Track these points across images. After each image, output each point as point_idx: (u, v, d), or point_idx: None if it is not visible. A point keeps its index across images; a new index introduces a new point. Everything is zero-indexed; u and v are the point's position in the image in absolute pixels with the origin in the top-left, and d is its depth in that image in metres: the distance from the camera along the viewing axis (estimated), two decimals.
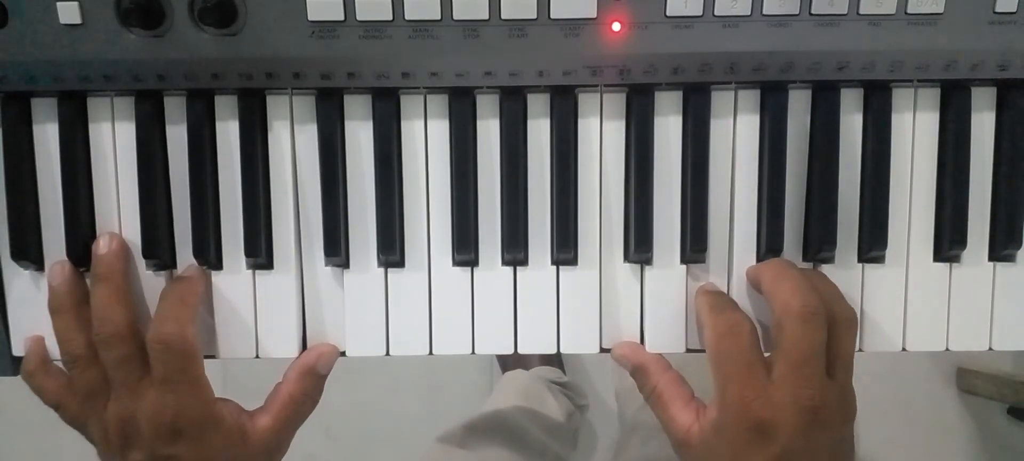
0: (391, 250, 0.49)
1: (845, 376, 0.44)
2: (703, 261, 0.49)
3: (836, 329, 0.44)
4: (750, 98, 0.49)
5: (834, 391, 0.43)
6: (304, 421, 0.50)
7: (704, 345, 0.46)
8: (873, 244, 0.49)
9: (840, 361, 0.44)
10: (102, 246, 0.48)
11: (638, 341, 0.50)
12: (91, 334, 0.46)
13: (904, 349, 0.50)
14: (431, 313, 0.50)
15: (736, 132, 0.49)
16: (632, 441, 0.86)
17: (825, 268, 0.49)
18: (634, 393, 0.98)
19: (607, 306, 0.50)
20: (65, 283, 0.48)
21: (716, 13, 0.45)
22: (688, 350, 0.50)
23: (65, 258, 0.49)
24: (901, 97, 0.49)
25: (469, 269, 0.50)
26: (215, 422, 0.46)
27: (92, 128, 0.49)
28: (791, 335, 0.43)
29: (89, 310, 0.47)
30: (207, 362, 0.49)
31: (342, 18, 0.45)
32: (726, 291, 0.49)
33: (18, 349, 0.51)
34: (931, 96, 0.49)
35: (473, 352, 0.50)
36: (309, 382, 0.49)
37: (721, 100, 0.49)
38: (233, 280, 0.50)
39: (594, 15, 0.45)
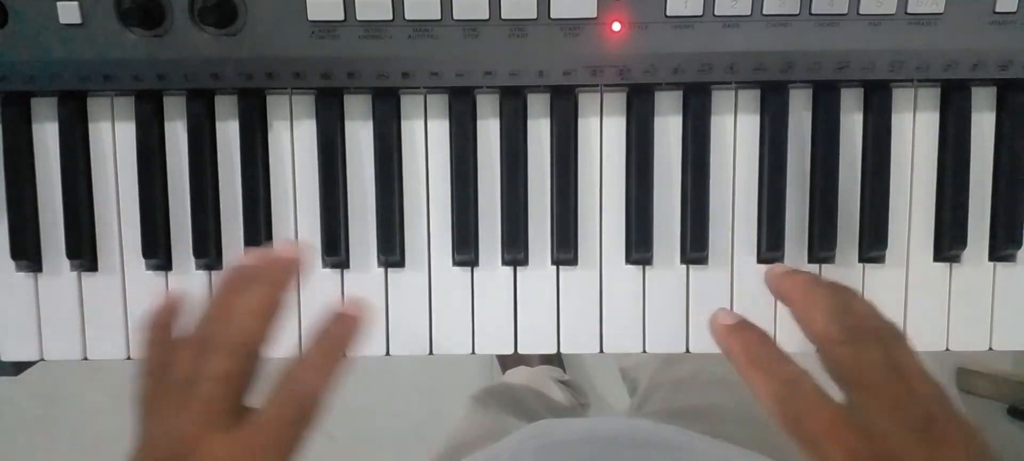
0: (391, 250, 0.49)
1: (925, 386, 0.37)
2: (704, 261, 0.49)
3: (883, 343, 0.38)
4: (750, 98, 0.49)
5: (932, 402, 0.36)
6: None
7: (761, 407, 0.38)
8: (873, 244, 0.48)
9: (906, 370, 0.37)
10: (287, 251, 0.40)
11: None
12: (208, 330, 0.38)
13: None
14: (431, 313, 0.50)
15: (736, 132, 0.49)
16: (654, 397, 0.83)
17: (825, 268, 0.49)
18: (643, 364, 0.98)
19: (607, 306, 0.50)
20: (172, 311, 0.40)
21: (716, 13, 0.45)
22: (688, 350, 0.50)
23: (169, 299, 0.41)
24: (901, 97, 0.49)
25: (469, 269, 0.50)
26: None
27: (92, 128, 0.49)
28: (847, 361, 0.37)
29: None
30: None
31: (342, 18, 0.45)
32: (727, 291, 0.49)
33: (7, 354, 0.51)
34: (931, 96, 0.49)
35: (473, 352, 0.50)
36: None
37: (721, 100, 0.49)
38: None
39: (594, 15, 0.45)
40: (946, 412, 0.36)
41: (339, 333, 0.40)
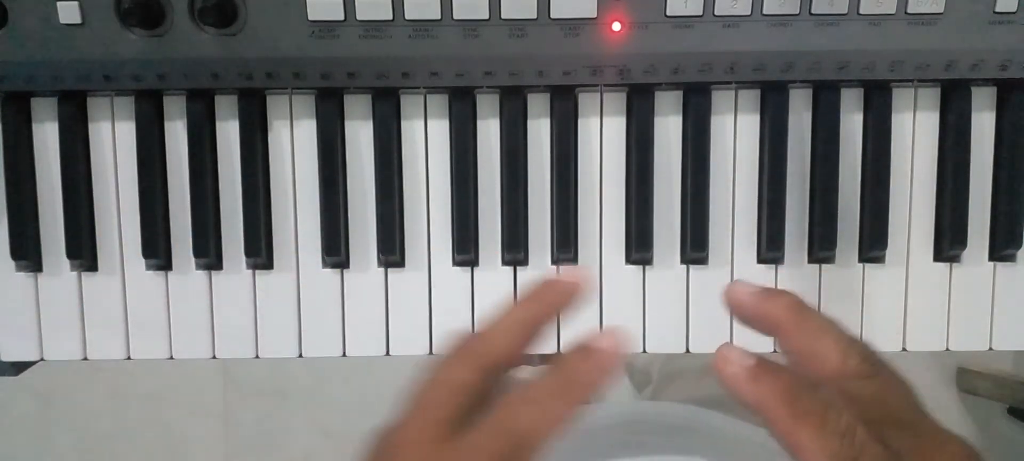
0: (391, 250, 0.49)
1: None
2: (704, 261, 0.49)
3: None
4: (750, 98, 0.49)
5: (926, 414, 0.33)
6: None
7: None
8: (873, 244, 0.49)
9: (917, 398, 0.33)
10: (570, 277, 0.36)
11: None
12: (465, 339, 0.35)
13: (904, 349, 0.50)
14: (431, 313, 0.50)
15: (736, 132, 0.49)
16: (673, 386, 0.82)
17: (825, 268, 0.49)
18: (653, 359, 0.97)
19: (607, 306, 0.50)
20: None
21: (716, 13, 0.45)
22: (688, 350, 0.50)
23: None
24: (901, 97, 0.49)
25: (469, 269, 0.50)
26: None
27: (92, 128, 0.49)
28: (880, 399, 0.32)
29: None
30: (207, 362, 0.49)
31: (342, 18, 0.45)
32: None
33: (7, 354, 0.51)
34: (931, 96, 0.49)
35: None
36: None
37: (721, 100, 0.49)
38: (233, 280, 0.50)
39: (594, 15, 0.45)
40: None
41: (581, 372, 0.32)
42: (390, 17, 0.45)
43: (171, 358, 0.50)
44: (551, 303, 0.35)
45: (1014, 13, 0.45)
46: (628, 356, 1.02)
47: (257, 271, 0.50)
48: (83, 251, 0.49)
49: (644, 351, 0.50)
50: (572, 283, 0.35)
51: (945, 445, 0.32)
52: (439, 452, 0.32)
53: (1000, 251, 0.49)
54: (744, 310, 0.34)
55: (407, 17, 0.45)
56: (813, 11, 0.45)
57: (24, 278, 0.50)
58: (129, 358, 0.51)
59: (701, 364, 0.46)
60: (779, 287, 0.49)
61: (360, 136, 0.49)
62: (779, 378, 0.30)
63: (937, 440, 0.32)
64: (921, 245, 0.50)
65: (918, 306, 0.50)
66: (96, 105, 0.49)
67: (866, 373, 0.32)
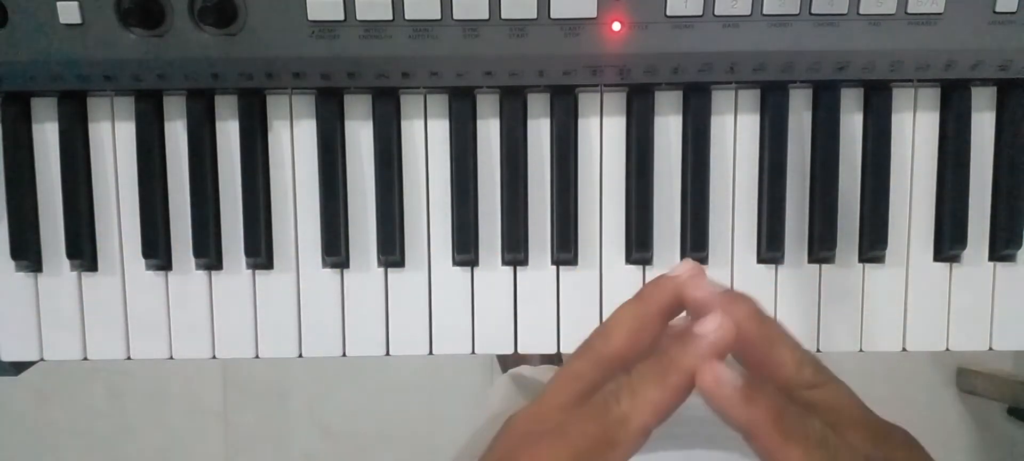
0: (391, 250, 0.49)
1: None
2: (704, 261, 0.49)
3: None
4: (750, 98, 0.49)
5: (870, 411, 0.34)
6: None
7: None
8: (873, 244, 0.49)
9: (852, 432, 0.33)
10: (685, 270, 0.36)
11: None
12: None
13: (904, 349, 0.50)
14: (431, 313, 0.50)
15: (736, 132, 0.49)
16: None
17: (825, 268, 0.49)
18: None
19: (607, 306, 0.50)
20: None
21: (716, 13, 0.45)
22: None
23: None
24: (901, 97, 0.49)
25: (469, 269, 0.50)
26: None
27: (92, 128, 0.49)
28: (830, 404, 0.33)
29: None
30: (207, 362, 0.49)
31: (342, 18, 0.45)
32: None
33: (7, 354, 0.51)
34: (931, 96, 0.49)
35: (473, 352, 0.50)
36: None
37: (721, 100, 0.49)
38: (233, 280, 0.50)
39: (594, 15, 0.45)
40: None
41: (680, 358, 0.32)
42: (390, 17, 0.45)
43: (171, 358, 0.50)
44: (658, 301, 0.36)
45: (1014, 13, 0.45)
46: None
47: (257, 271, 0.50)
48: (83, 251, 0.49)
49: None
50: (676, 280, 0.35)
51: (892, 435, 0.33)
52: (555, 427, 0.33)
53: (1000, 251, 0.49)
54: (704, 309, 0.34)
55: (407, 17, 0.45)
56: (813, 11, 0.45)
57: (24, 278, 0.50)
58: (129, 358, 0.51)
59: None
60: (778, 287, 0.49)
61: (360, 136, 0.49)
62: (769, 398, 0.30)
63: (885, 432, 0.33)
64: (921, 245, 0.50)
65: (918, 306, 0.50)
66: (96, 105, 0.49)
67: (819, 381, 0.33)
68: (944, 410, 1.44)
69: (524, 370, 1.25)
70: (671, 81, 0.47)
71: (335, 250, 0.49)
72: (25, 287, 0.50)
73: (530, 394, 0.93)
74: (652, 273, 0.49)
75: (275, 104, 0.49)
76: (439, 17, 0.45)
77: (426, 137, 0.49)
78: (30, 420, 1.54)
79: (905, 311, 0.50)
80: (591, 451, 0.31)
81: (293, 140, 0.49)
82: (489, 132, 0.49)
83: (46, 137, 0.49)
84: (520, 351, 0.50)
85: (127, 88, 0.48)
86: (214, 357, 0.51)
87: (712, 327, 0.32)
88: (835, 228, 0.48)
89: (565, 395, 0.34)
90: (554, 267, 0.50)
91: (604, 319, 0.49)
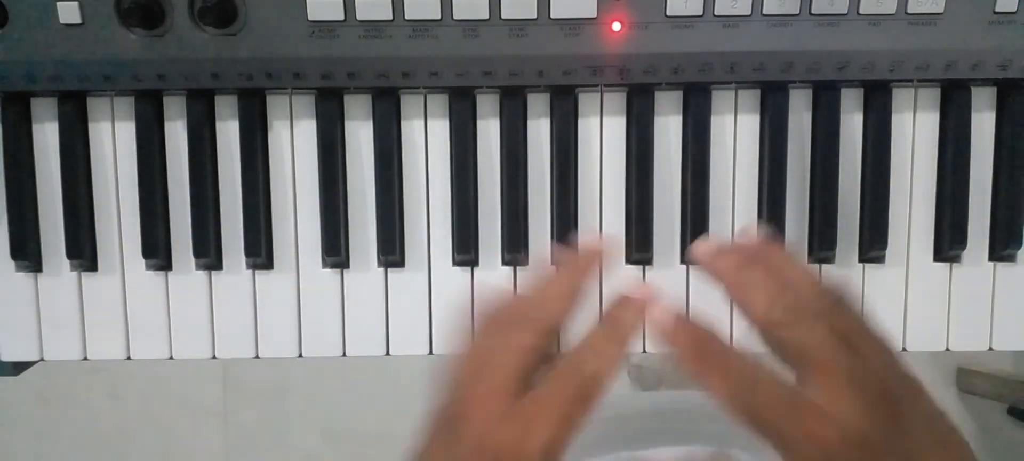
0: (391, 250, 0.49)
1: (873, 350, 0.37)
2: None
3: (825, 316, 0.37)
4: (750, 98, 0.49)
5: (881, 370, 0.36)
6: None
7: (721, 407, 0.37)
8: (873, 244, 0.49)
9: (852, 337, 0.37)
10: (590, 240, 0.43)
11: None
12: (516, 309, 0.40)
13: (904, 349, 0.50)
14: (431, 313, 0.50)
15: (736, 132, 0.49)
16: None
17: (825, 268, 0.49)
18: (667, 361, 0.97)
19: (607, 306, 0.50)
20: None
21: (716, 13, 0.45)
22: None
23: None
24: (901, 97, 0.49)
25: (469, 269, 0.50)
26: None
27: (92, 128, 0.49)
28: (794, 342, 0.36)
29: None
30: (207, 362, 0.49)
31: (342, 18, 0.45)
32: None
33: (7, 354, 0.51)
34: (931, 96, 0.49)
35: None
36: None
37: (721, 100, 0.49)
38: (233, 280, 0.50)
39: (594, 15, 0.45)
40: (897, 375, 0.37)
41: (624, 318, 0.39)
42: (390, 17, 0.45)
43: (171, 358, 0.50)
44: (583, 269, 0.40)
45: (1014, 13, 0.45)
46: (635, 357, 1.03)
47: (257, 271, 0.50)
48: (83, 251, 0.49)
49: (644, 351, 0.50)
50: (596, 248, 0.42)
51: (861, 382, 0.36)
52: (516, 405, 0.36)
53: (1000, 251, 0.49)
54: (703, 264, 0.41)
55: (407, 17, 0.45)
56: (813, 11, 0.45)
57: (24, 278, 0.50)
58: (129, 358, 0.51)
59: None
60: None
61: (360, 136, 0.49)
62: (695, 332, 0.38)
63: (853, 376, 0.36)
64: (921, 245, 0.50)
65: (918, 306, 0.50)
66: (96, 105, 0.49)
67: (785, 322, 0.37)
68: (944, 410, 1.44)
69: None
70: (671, 81, 0.47)
71: (335, 250, 0.49)
72: (25, 287, 0.50)
73: None
74: (652, 273, 0.49)
75: (275, 104, 0.49)
76: (439, 17, 0.45)
77: (426, 137, 0.49)
78: (30, 420, 1.54)
79: (905, 311, 0.50)
80: (575, 409, 0.36)
81: (293, 140, 0.49)
82: (489, 132, 0.49)
83: (46, 137, 0.49)
84: None
85: (127, 88, 0.48)
86: (214, 357, 0.51)
87: (642, 292, 0.39)
88: (835, 228, 0.48)
89: (516, 367, 0.37)
90: (554, 267, 0.50)
91: (604, 318, 0.49)
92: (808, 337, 0.36)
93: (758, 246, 0.41)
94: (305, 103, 0.49)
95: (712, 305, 0.49)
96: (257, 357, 0.51)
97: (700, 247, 0.41)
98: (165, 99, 0.49)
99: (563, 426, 0.36)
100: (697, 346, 0.37)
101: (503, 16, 0.45)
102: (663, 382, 0.93)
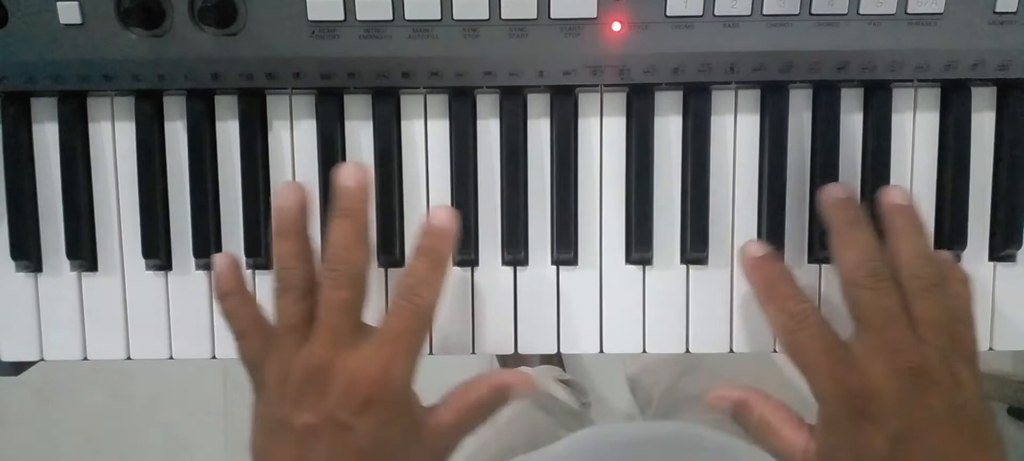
0: (391, 250, 0.49)
1: (937, 338, 0.40)
2: (704, 261, 0.49)
3: (913, 295, 0.41)
4: (750, 98, 0.49)
5: (931, 351, 0.40)
6: (472, 432, 0.46)
7: (775, 335, 0.44)
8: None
9: (923, 325, 0.40)
10: (350, 178, 0.44)
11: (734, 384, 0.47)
12: (311, 268, 0.43)
13: None
14: None
15: (736, 132, 0.49)
16: (680, 415, 0.84)
17: (825, 268, 0.49)
18: (651, 370, 0.98)
19: (607, 306, 0.50)
20: (298, 207, 0.44)
21: (716, 13, 0.45)
22: (688, 350, 0.50)
23: (298, 182, 0.46)
24: (901, 97, 0.49)
25: (469, 269, 0.50)
26: (407, 407, 0.43)
27: (92, 128, 0.49)
28: (863, 303, 0.41)
29: (309, 244, 0.44)
30: (207, 362, 0.49)
31: (342, 18, 0.45)
32: (727, 290, 0.49)
33: (7, 354, 0.51)
34: (931, 96, 0.49)
35: (473, 352, 0.50)
36: (498, 399, 0.45)
37: (721, 100, 0.49)
38: None
39: (594, 15, 0.45)
40: (947, 367, 0.40)
41: (437, 245, 0.44)
42: (390, 17, 0.45)
43: (171, 358, 0.51)
44: (362, 209, 0.44)
45: (1014, 13, 0.45)
46: (630, 369, 1.04)
47: (257, 271, 0.50)
48: (83, 251, 0.49)
49: (644, 351, 0.50)
50: (361, 184, 0.44)
51: (903, 353, 0.40)
52: (368, 351, 0.41)
53: (1000, 251, 0.49)
54: (822, 207, 0.46)
55: (407, 17, 0.45)
56: (813, 11, 0.45)
57: (24, 278, 0.50)
58: (129, 358, 0.51)
59: (704, 388, 0.51)
60: None
61: (360, 136, 0.49)
62: (769, 268, 0.45)
63: (898, 345, 0.40)
64: None
65: None
66: (96, 105, 0.49)
67: (862, 285, 0.41)
68: None
69: (524, 371, 1.25)
70: (671, 81, 0.47)
71: None
72: (25, 287, 0.50)
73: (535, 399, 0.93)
74: (652, 273, 0.49)
75: (275, 104, 0.49)
76: (439, 17, 0.45)
77: (426, 137, 0.49)
78: (30, 420, 1.54)
79: None
80: (419, 336, 0.42)
81: (293, 140, 0.49)
82: (489, 132, 0.49)
83: (46, 137, 0.49)
84: (520, 351, 0.50)
85: (127, 88, 0.48)
86: (214, 357, 0.51)
87: (442, 214, 0.45)
88: None
89: (349, 322, 0.42)
90: (554, 267, 0.50)
91: (604, 318, 0.50)
92: (875, 303, 0.40)
93: (892, 203, 0.45)
94: (305, 103, 0.49)
95: (712, 305, 0.49)
96: None
97: (835, 188, 0.45)
98: (165, 99, 0.49)
99: (413, 352, 0.42)
100: (767, 282, 0.44)
101: (503, 16, 0.45)
102: (652, 404, 0.94)
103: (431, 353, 0.50)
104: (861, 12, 0.45)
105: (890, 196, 0.45)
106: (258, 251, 0.49)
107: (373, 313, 0.50)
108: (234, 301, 0.45)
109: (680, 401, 0.85)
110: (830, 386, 0.40)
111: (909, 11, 0.45)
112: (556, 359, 1.36)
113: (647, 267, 0.50)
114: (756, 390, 0.46)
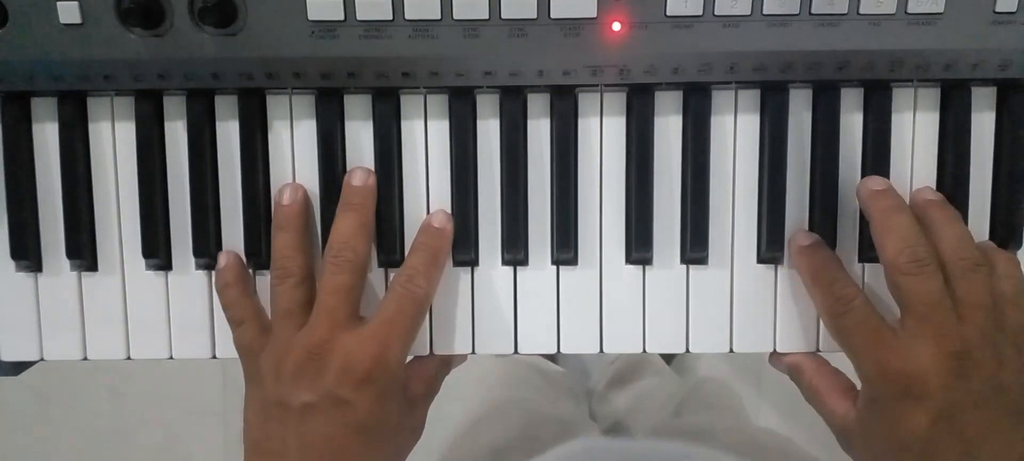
0: (391, 250, 0.49)
1: (981, 319, 0.41)
2: (704, 261, 0.49)
3: (956, 277, 0.42)
4: (750, 98, 0.49)
5: (974, 334, 0.41)
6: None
7: (822, 320, 0.47)
8: (873, 244, 0.48)
9: (966, 305, 0.41)
10: (358, 178, 0.47)
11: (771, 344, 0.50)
12: (309, 260, 0.47)
13: None
14: (431, 313, 0.50)
15: (736, 132, 0.49)
16: (633, 421, 0.85)
17: None
18: (616, 397, 0.99)
19: (607, 306, 0.50)
20: (298, 204, 0.47)
21: (716, 13, 0.45)
22: (688, 350, 0.50)
23: (298, 184, 0.48)
24: (901, 97, 0.49)
25: (469, 269, 0.50)
26: (401, 386, 0.46)
27: (92, 128, 0.49)
28: (907, 289, 0.42)
29: (308, 239, 0.47)
30: (207, 362, 0.49)
31: (342, 18, 0.45)
32: (727, 290, 0.49)
33: (7, 354, 0.51)
34: (931, 96, 0.49)
35: (473, 352, 0.50)
36: (445, 364, 0.51)
37: (721, 100, 0.49)
38: None
39: (594, 15, 0.45)
40: (990, 347, 0.40)
41: (434, 243, 0.47)
42: (390, 17, 0.45)
43: (171, 358, 0.51)
44: (368, 206, 0.47)
45: (1014, 13, 0.45)
46: (592, 387, 1.05)
47: (257, 271, 0.50)
48: (83, 251, 0.49)
49: (644, 351, 0.50)
50: (371, 181, 0.47)
51: (947, 338, 0.41)
52: (364, 333, 0.44)
53: None
54: (860, 198, 0.47)
55: (407, 17, 0.45)
56: (813, 11, 0.45)
57: (24, 278, 0.50)
58: (129, 358, 0.51)
59: (666, 394, 0.54)
60: (778, 287, 0.49)
61: (360, 136, 0.49)
62: (816, 255, 0.46)
63: (943, 331, 0.41)
64: None
65: None
66: (96, 105, 0.49)
67: (905, 271, 0.41)
68: None
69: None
70: (671, 81, 0.47)
71: None
72: (25, 287, 0.50)
73: (536, 380, 0.93)
74: (652, 273, 0.49)
75: (275, 104, 0.49)
76: (439, 17, 0.45)
77: (426, 137, 0.49)
78: (30, 420, 1.54)
79: None
80: (414, 324, 0.46)
81: (293, 140, 0.49)
82: (489, 132, 0.49)
83: (46, 137, 0.49)
84: (520, 351, 0.50)
85: (127, 88, 0.48)
86: (214, 357, 0.51)
87: (440, 217, 0.48)
88: (835, 228, 0.48)
89: (347, 306, 0.44)
90: (554, 267, 0.50)
91: (604, 318, 0.50)
92: (918, 288, 0.41)
93: (925, 199, 0.46)
94: (305, 103, 0.49)
95: (712, 305, 0.49)
96: None
97: (872, 180, 0.46)
98: (165, 99, 0.49)
99: (408, 336, 0.45)
100: (814, 269, 0.46)
101: (503, 16, 0.45)
102: (614, 417, 0.94)
103: (431, 352, 0.50)
104: (861, 12, 0.45)
105: (921, 194, 0.47)
106: (258, 251, 0.49)
107: (371, 313, 0.50)
108: (234, 292, 0.48)
109: (639, 407, 0.87)
110: (874, 369, 0.42)
111: (909, 11, 0.45)
112: (555, 359, 1.35)
113: (647, 267, 0.50)
114: (810, 356, 0.49)
